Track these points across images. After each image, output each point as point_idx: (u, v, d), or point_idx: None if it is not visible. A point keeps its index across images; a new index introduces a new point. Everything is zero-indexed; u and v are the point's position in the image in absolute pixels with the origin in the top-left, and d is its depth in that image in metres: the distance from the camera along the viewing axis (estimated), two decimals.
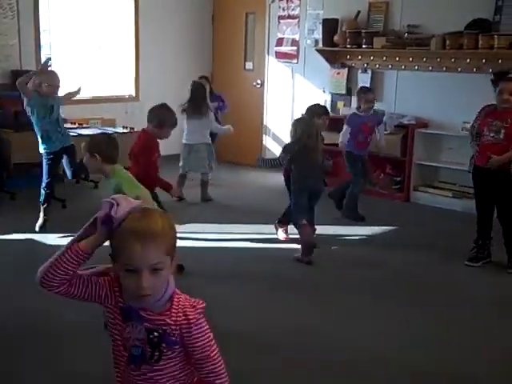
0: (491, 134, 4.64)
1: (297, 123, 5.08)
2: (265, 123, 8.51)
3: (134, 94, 8.51)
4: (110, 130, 7.31)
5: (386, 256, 5.07)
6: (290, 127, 5.14)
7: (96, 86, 8.13)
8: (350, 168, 6.05)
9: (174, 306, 1.68)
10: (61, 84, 5.41)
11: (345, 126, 6.04)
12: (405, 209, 6.61)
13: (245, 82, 8.73)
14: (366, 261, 4.92)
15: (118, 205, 1.64)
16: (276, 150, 7.49)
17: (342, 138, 6.00)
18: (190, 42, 8.86)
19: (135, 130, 7.21)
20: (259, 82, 8.58)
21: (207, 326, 1.69)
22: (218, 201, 6.67)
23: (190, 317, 1.66)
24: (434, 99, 6.78)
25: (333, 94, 7.63)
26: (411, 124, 6.80)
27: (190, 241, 5.09)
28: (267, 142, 8.50)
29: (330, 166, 6.15)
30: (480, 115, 4.77)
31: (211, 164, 6.70)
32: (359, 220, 5.95)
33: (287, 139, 5.36)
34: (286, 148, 5.09)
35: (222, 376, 1.71)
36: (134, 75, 8.50)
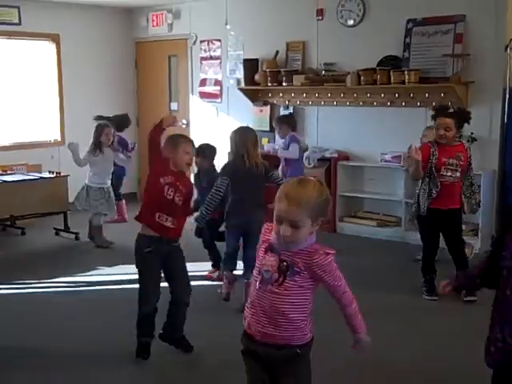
0: (449, 174, 4.74)
1: (235, 134, 4.81)
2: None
3: (59, 139, 8.48)
4: (37, 175, 7.24)
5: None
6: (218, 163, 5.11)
7: (19, 132, 8.07)
8: None
9: (306, 251, 2.22)
10: None
11: (294, 144, 6.17)
12: (332, 239, 6.77)
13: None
14: None
15: None
16: None
17: (295, 154, 6.16)
18: (114, 86, 8.93)
19: (61, 174, 7.20)
20: (185, 121, 8.71)
21: (335, 265, 2.27)
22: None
23: (316, 257, 2.21)
24: (354, 132, 7.07)
25: (257, 131, 7.79)
26: (333, 157, 7.05)
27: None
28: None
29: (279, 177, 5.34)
30: (433, 154, 4.78)
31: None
32: None
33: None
34: (223, 171, 4.68)
35: (351, 300, 2.39)
36: (58, 120, 8.48)
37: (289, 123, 6.40)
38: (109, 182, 6.57)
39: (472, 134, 5.86)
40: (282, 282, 2.23)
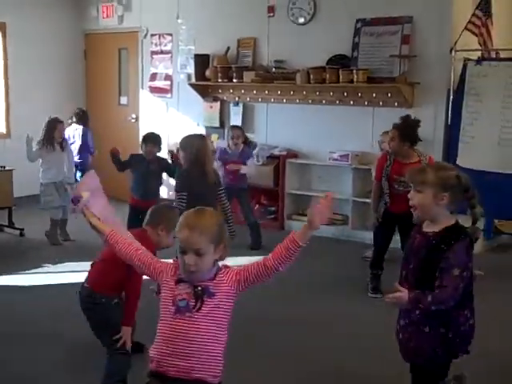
0: (400, 188, 4.75)
1: (192, 141, 4.70)
2: None
3: (4, 132, 8.29)
4: None
5: (265, 286, 5.16)
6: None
7: None
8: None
9: (217, 277, 2.24)
10: None
11: (252, 159, 6.39)
12: (280, 237, 6.81)
13: (120, 117, 8.73)
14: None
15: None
16: None
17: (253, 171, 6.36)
18: (62, 78, 8.75)
19: (6, 168, 7.03)
20: (134, 116, 8.61)
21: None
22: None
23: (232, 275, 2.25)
24: (303, 130, 7.10)
25: (207, 127, 7.79)
26: (282, 155, 7.07)
27: None
28: None
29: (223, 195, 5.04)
30: (386, 169, 4.88)
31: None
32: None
33: None
34: (181, 185, 4.56)
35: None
36: (4, 113, 8.28)
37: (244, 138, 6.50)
38: (62, 176, 6.41)
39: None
40: (201, 307, 2.21)
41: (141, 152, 5.68)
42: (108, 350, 3.26)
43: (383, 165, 4.91)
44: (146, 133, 5.82)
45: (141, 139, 5.68)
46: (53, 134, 6.31)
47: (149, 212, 3.44)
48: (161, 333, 2.26)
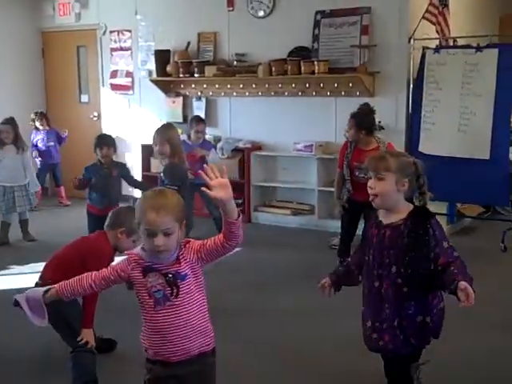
0: (361, 175, 4.82)
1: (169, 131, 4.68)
2: None
3: None
4: None
5: (238, 277, 5.19)
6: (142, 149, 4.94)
7: None
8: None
9: (180, 256, 2.24)
10: None
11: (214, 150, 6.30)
12: (246, 229, 6.84)
13: (81, 115, 8.64)
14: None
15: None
16: None
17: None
18: (20, 78, 8.60)
19: None
20: (96, 114, 8.53)
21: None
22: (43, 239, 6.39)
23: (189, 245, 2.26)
24: (266, 122, 7.14)
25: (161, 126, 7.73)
26: (247, 147, 7.10)
27: None
28: None
29: None
30: (346, 156, 4.97)
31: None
32: None
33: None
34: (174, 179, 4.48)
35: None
36: None
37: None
38: (16, 182, 6.27)
39: (379, 122, 6.03)
40: (178, 293, 2.24)
41: (94, 160, 5.23)
42: (72, 350, 3.24)
43: (344, 152, 5.02)
44: (97, 136, 5.37)
45: (93, 144, 5.20)
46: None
47: (109, 215, 3.41)
48: (148, 325, 2.29)
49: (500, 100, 5.83)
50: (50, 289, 2.43)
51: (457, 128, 6.09)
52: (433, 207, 2.73)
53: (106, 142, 5.17)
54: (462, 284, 2.36)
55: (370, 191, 2.63)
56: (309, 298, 4.68)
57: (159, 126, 5.11)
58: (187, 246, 2.27)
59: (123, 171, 5.33)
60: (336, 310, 4.14)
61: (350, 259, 2.97)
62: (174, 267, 2.23)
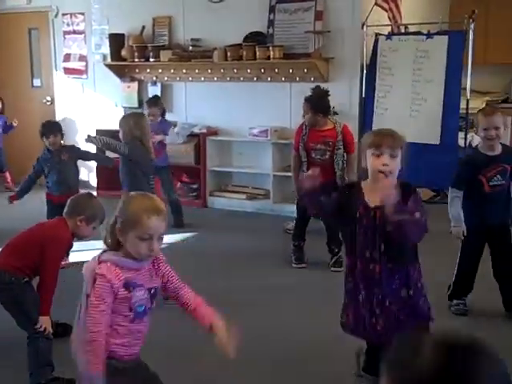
0: (317, 156, 4.88)
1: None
2: None
3: None
4: None
5: (193, 261, 5.21)
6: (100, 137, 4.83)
7: None
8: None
9: (156, 267, 2.31)
10: None
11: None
12: (203, 214, 6.89)
13: (34, 100, 8.50)
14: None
15: None
16: None
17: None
18: None
19: None
20: (49, 98, 8.40)
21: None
22: None
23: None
24: (222, 108, 7.15)
25: (125, 108, 7.71)
26: (202, 133, 7.11)
27: None
28: None
29: None
30: (302, 138, 4.96)
31: None
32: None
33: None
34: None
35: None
36: None
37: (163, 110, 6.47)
38: None
39: (333, 108, 6.10)
40: (151, 306, 2.33)
41: (44, 149, 5.13)
42: (28, 335, 3.21)
43: (300, 134, 5.02)
44: (42, 124, 5.17)
45: (39, 132, 5.06)
46: None
47: (68, 202, 3.37)
48: (117, 332, 2.28)
49: (450, 86, 5.98)
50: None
51: (408, 113, 6.22)
52: None
53: (52, 129, 5.05)
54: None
55: (383, 168, 2.68)
56: (264, 280, 4.78)
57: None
58: (159, 259, 2.33)
59: (76, 152, 5.24)
60: (296, 290, 4.22)
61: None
62: (155, 283, 2.30)
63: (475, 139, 7.40)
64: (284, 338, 3.73)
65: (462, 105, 6.11)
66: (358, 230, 2.73)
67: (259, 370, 3.36)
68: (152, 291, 2.29)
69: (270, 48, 6.52)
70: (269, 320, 4.01)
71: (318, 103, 4.95)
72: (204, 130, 7.13)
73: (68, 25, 8.08)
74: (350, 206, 2.75)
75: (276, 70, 6.69)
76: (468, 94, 6.17)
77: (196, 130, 7.13)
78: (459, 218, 3.84)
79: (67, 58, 8.17)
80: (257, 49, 6.59)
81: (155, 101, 6.48)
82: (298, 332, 3.82)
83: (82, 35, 8.01)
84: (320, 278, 4.82)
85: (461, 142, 6.32)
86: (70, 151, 5.17)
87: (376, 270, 2.70)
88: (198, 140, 7.09)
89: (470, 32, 5.92)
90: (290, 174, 5.46)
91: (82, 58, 8.06)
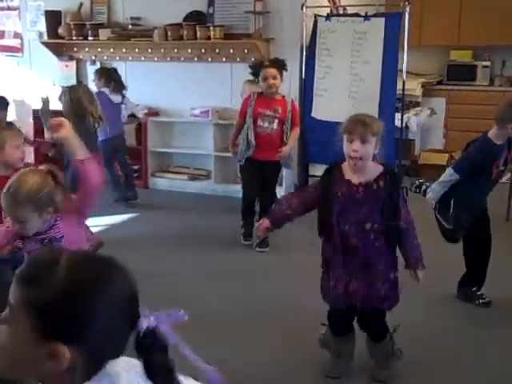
0: (265, 125, 4.88)
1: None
2: None
3: None
4: None
5: (136, 242, 5.23)
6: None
7: None
8: None
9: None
10: None
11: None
12: (144, 195, 6.85)
13: None
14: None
15: None
16: None
17: None
18: None
19: None
20: None
21: None
22: None
23: None
24: (163, 88, 7.10)
25: (63, 87, 7.53)
26: (143, 113, 7.04)
27: None
28: None
29: None
30: (250, 104, 4.91)
31: None
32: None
33: None
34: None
35: None
36: None
37: None
38: None
39: None
40: None
41: None
42: None
43: (248, 101, 4.97)
44: None
45: None
46: None
47: None
48: None
49: (387, 67, 6.10)
50: None
51: (347, 94, 6.32)
52: None
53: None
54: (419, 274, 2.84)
55: (353, 154, 2.74)
56: (207, 260, 4.83)
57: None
58: None
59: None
60: (232, 273, 4.28)
61: (282, 204, 3.01)
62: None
63: (412, 120, 7.64)
64: (221, 312, 3.80)
65: (399, 86, 6.25)
66: (336, 207, 2.79)
67: None
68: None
69: (211, 28, 6.50)
70: (208, 296, 4.07)
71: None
72: (145, 111, 7.06)
73: (1, 0, 7.84)
74: (332, 187, 2.82)
75: (217, 51, 6.68)
76: (404, 76, 6.31)
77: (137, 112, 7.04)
78: (437, 197, 3.84)
79: (1, 34, 7.94)
80: (197, 29, 6.56)
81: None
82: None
83: (17, 11, 7.79)
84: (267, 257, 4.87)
85: (397, 123, 6.48)
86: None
87: (359, 245, 2.78)
88: (139, 121, 7.03)
89: (406, 14, 6.05)
90: (230, 154, 5.46)
91: (17, 35, 7.84)
